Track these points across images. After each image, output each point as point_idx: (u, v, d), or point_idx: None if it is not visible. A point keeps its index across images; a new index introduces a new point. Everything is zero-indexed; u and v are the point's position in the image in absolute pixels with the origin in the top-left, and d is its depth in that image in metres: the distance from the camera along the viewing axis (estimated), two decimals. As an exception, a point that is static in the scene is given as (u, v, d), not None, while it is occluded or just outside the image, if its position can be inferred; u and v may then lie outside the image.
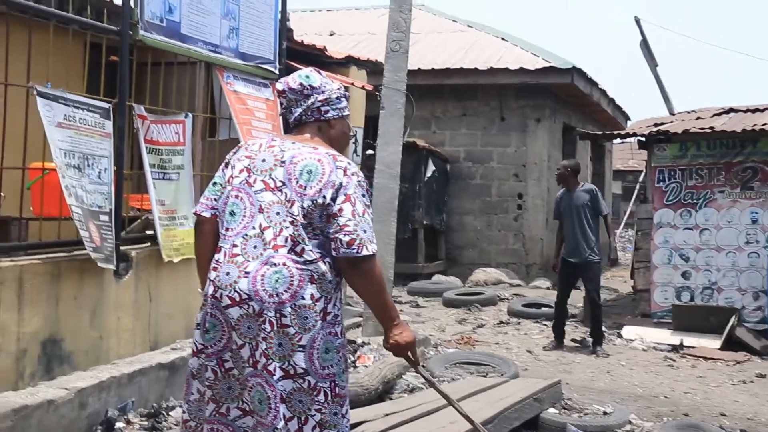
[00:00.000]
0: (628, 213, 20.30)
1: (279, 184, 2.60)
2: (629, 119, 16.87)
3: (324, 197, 2.55)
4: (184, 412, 2.70)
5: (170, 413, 4.18)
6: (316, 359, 2.52)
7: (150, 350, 4.71)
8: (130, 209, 5.13)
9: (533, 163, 12.69)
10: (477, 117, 12.88)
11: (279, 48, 6.08)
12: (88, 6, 5.24)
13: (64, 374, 3.99)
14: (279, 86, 2.79)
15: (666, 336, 8.17)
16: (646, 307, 8.93)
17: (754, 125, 8.42)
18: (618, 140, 14.19)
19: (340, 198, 2.56)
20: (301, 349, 2.50)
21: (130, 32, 4.60)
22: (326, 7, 18.29)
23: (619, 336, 8.34)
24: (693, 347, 7.78)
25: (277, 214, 2.56)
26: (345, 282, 2.69)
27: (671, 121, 10.00)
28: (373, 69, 9.38)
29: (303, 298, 2.51)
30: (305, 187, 2.57)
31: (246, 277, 2.51)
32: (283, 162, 2.62)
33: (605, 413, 5.20)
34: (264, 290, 2.48)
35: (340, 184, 2.57)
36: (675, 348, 7.81)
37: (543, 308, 9.31)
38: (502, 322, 8.97)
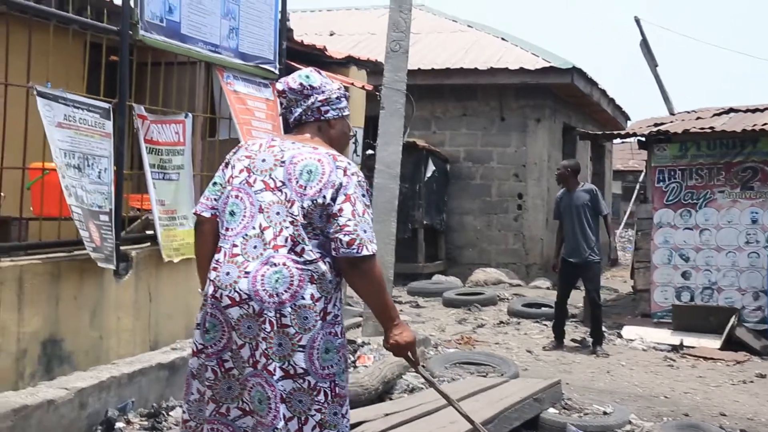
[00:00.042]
0: (628, 213, 20.30)
1: (279, 184, 2.59)
2: (629, 119, 16.87)
3: (324, 197, 2.55)
4: (184, 412, 2.70)
5: (170, 413, 4.18)
6: (316, 359, 2.52)
7: (150, 350, 4.71)
8: (130, 209, 5.13)
9: (533, 163, 12.69)
10: (477, 117, 12.88)
11: (279, 48, 6.08)
12: (88, 6, 5.25)
13: (64, 374, 3.99)
14: (279, 86, 2.79)
15: (666, 336, 8.17)
16: (646, 307, 8.93)
17: (754, 125, 8.42)
18: (618, 140, 14.21)
19: (340, 198, 2.56)
20: (301, 349, 2.50)
21: (130, 32, 4.60)
22: (326, 7, 18.29)
23: (619, 336, 8.34)
24: (693, 347, 7.78)
25: (277, 214, 2.56)
26: (345, 282, 2.69)
27: (671, 121, 10.00)
28: (373, 69, 9.38)
29: (303, 298, 2.51)
30: (305, 187, 2.57)
31: (246, 277, 2.51)
32: (283, 162, 2.62)
33: (605, 413, 5.20)
34: (264, 290, 2.48)
35: (340, 184, 2.57)
36: (675, 348, 7.81)
37: (543, 308, 9.31)
38: (502, 322, 8.97)
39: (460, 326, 8.65)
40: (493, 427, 4.12)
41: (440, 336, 7.82)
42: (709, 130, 8.64)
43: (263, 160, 2.65)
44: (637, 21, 12.65)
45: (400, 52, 6.80)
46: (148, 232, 5.02)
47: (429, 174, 12.17)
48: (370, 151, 9.45)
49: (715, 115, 9.90)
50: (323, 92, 2.74)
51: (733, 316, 8.00)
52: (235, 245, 2.57)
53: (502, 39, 14.28)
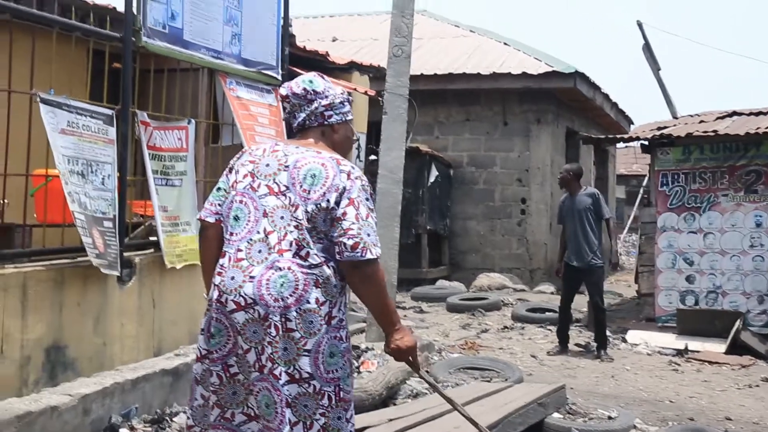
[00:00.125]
0: (632, 217, 20.28)
1: (283, 188, 2.60)
2: (632, 123, 16.87)
3: (328, 201, 2.55)
4: (188, 417, 2.70)
5: (174, 419, 4.17)
6: (321, 363, 2.52)
7: (154, 356, 4.71)
8: (133, 215, 5.13)
9: (536, 168, 12.69)
10: (480, 122, 12.89)
11: (281, 54, 6.09)
12: (91, 13, 5.27)
13: (68, 381, 3.99)
14: (282, 91, 2.79)
15: (671, 340, 8.15)
16: (651, 311, 8.91)
17: (758, 128, 8.42)
18: (621, 144, 14.18)
19: (344, 202, 2.56)
20: (306, 353, 2.49)
21: (133, 39, 4.61)
22: (329, 13, 18.35)
23: (624, 340, 8.32)
24: (698, 351, 7.76)
25: (282, 218, 2.56)
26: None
27: (674, 125, 10.00)
28: (376, 74, 9.39)
29: (308, 302, 2.50)
30: (309, 191, 2.57)
31: (251, 281, 2.51)
32: (287, 166, 2.62)
33: (610, 418, 5.18)
34: (269, 294, 2.48)
35: (344, 187, 2.57)
36: (680, 352, 7.79)
37: (547, 313, 9.29)
38: (506, 327, 8.96)
39: (464, 331, 8.64)
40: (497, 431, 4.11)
41: (444, 341, 7.81)
42: (712, 134, 8.63)
43: (267, 165, 2.65)
44: (640, 25, 12.70)
45: (403, 57, 6.80)
46: (152, 239, 5.03)
47: (432, 179, 12.18)
48: (373, 157, 9.46)
49: (718, 118, 9.89)
50: (327, 97, 2.75)
51: (738, 320, 7.97)
52: (239, 250, 2.57)
53: (505, 44, 14.31)
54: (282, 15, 6.14)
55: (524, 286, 12.01)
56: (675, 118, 11.51)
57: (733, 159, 8.63)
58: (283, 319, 2.48)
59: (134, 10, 4.61)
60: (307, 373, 2.49)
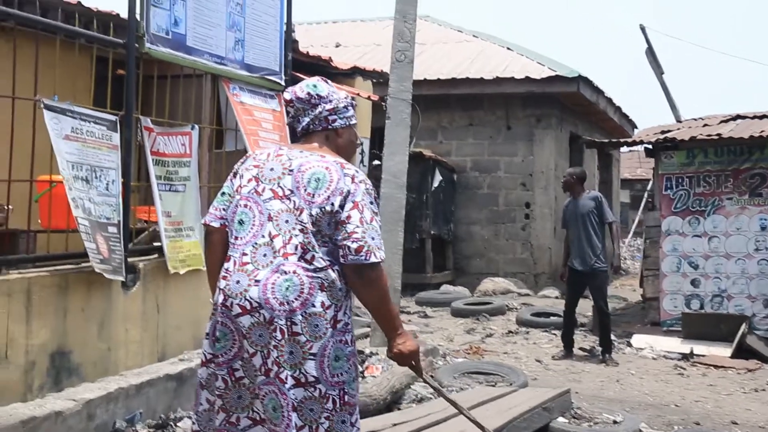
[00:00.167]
0: (636, 222, 20.26)
1: (287, 192, 2.60)
2: (636, 127, 16.86)
3: (332, 204, 2.55)
4: (193, 423, 2.70)
5: (178, 424, 4.18)
6: (326, 367, 2.52)
7: (158, 361, 4.71)
8: (137, 221, 5.14)
9: (540, 172, 12.69)
10: (483, 126, 12.90)
11: (285, 59, 6.11)
12: (95, 20, 5.29)
13: (73, 386, 3.99)
14: (287, 95, 2.80)
15: (676, 344, 8.12)
16: (656, 315, 8.89)
17: (762, 132, 8.40)
18: (625, 148, 14.19)
19: (348, 205, 2.56)
20: (312, 357, 2.49)
21: (137, 45, 4.63)
22: (332, 19, 18.42)
23: (629, 345, 8.30)
24: (703, 355, 7.74)
25: (286, 222, 2.57)
26: (354, 291, 2.68)
27: (678, 129, 9.98)
28: (379, 79, 9.41)
29: (313, 306, 2.50)
30: (313, 194, 2.57)
31: (256, 285, 2.51)
32: (291, 170, 2.63)
33: (615, 422, 5.16)
34: (275, 298, 2.48)
35: (348, 191, 2.58)
36: (685, 356, 7.77)
37: (552, 317, 9.28)
38: (510, 331, 8.94)
39: (469, 336, 8.63)
40: (502, 436, 4.10)
41: (449, 346, 7.80)
42: (716, 137, 8.62)
43: (271, 169, 2.66)
44: (643, 29, 12.68)
45: (406, 62, 6.81)
46: (156, 244, 5.03)
47: (436, 184, 12.18)
48: (376, 162, 9.46)
49: (722, 122, 9.88)
50: (331, 101, 2.76)
51: (744, 324, 7.95)
52: (244, 254, 2.57)
53: (508, 48, 14.32)
54: (285, 21, 6.16)
55: (529, 291, 11.99)
56: (679, 121, 11.48)
57: (737, 162, 8.62)
58: (288, 323, 2.48)
59: (137, 16, 4.64)
60: (313, 376, 2.49)
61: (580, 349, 7.84)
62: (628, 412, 5.48)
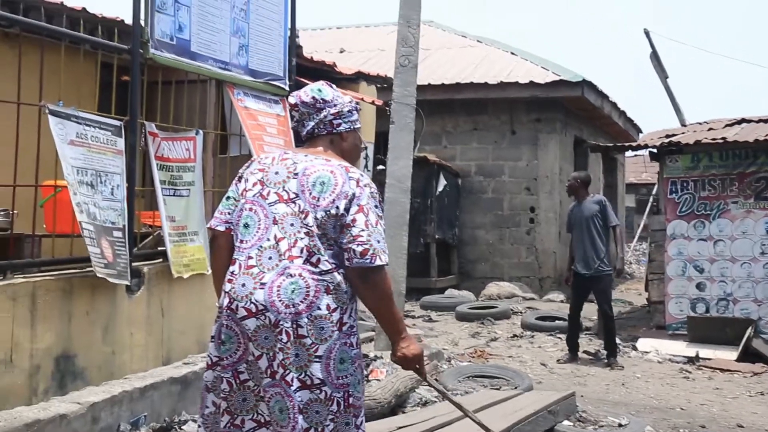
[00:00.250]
0: (641, 226, 20.20)
1: (292, 195, 2.61)
2: (641, 131, 16.84)
3: (337, 208, 2.56)
4: (199, 426, 2.70)
5: (183, 427, 4.18)
6: (332, 369, 2.52)
7: (163, 365, 4.72)
8: (142, 226, 5.16)
9: (545, 177, 12.68)
10: (488, 131, 12.90)
11: (289, 64, 6.13)
12: (100, 26, 5.32)
13: (77, 390, 4.00)
14: (291, 100, 2.81)
15: (681, 348, 8.11)
16: (661, 319, 8.88)
17: (767, 135, 8.39)
18: (630, 153, 14.15)
19: (354, 208, 2.57)
20: (317, 359, 2.50)
21: (141, 51, 4.65)
22: (336, 25, 18.43)
23: (634, 348, 8.28)
24: (709, 359, 7.72)
25: (292, 225, 2.58)
26: (359, 295, 2.69)
27: (683, 133, 9.98)
28: (383, 84, 9.43)
29: (319, 309, 2.51)
30: (318, 198, 2.58)
31: (262, 288, 2.52)
32: (296, 174, 2.64)
33: (620, 425, 5.15)
34: (280, 301, 2.49)
35: (353, 194, 2.58)
36: (691, 360, 7.75)
37: (557, 321, 9.26)
38: (515, 335, 8.93)
39: (474, 340, 8.62)
40: (506, 439, 4.09)
41: (453, 350, 7.80)
42: (721, 141, 8.61)
43: (276, 173, 2.67)
44: (647, 33, 12.68)
45: (409, 67, 6.82)
46: (161, 248, 5.05)
47: (440, 188, 12.19)
48: (380, 167, 9.47)
49: (727, 125, 9.87)
50: (335, 105, 2.77)
51: (750, 328, 7.93)
52: (250, 257, 2.58)
53: (512, 53, 14.33)
54: (289, 26, 6.18)
55: (534, 295, 11.98)
56: (684, 125, 11.47)
57: (742, 166, 8.61)
58: (294, 326, 2.48)
59: (142, 22, 4.66)
60: (319, 379, 2.50)
61: (585, 352, 7.82)
62: (633, 416, 5.47)
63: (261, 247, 2.58)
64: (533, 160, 12.70)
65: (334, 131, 2.77)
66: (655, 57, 12.58)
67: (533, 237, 12.65)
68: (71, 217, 4.14)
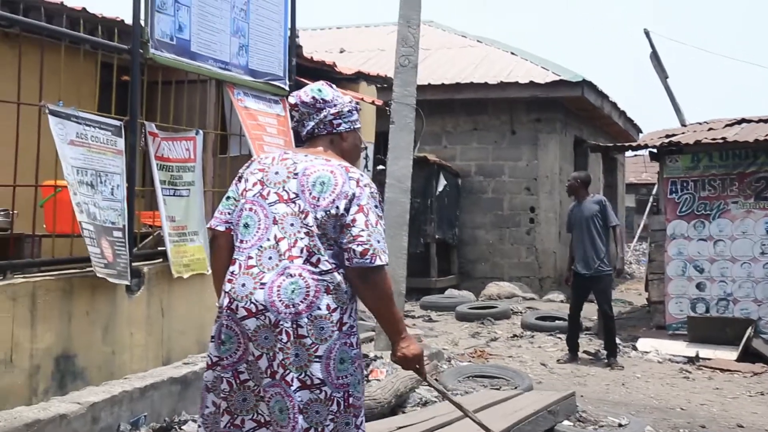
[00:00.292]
0: (641, 226, 20.20)
1: (292, 195, 2.61)
2: (641, 131, 16.84)
3: (337, 208, 2.56)
4: (199, 426, 2.70)
5: (182, 427, 4.18)
6: (332, 369, 2.52)
7: (162, 365, 4.72)
8: (142, 226, 5.16)
9: (545, 177, 12.68)
10: (488, 131, 12.91)
11: (288, 64, 6.13)
12: (100, 26, 5.32)
13: (77, 390, 4.00)
14: (291, 100, 2.81)
15: (681, 348, 8.11)
16: (661, 319, 8.88)
17: (767, 135, 8.39)
18: (630, 153, 14.15)
19: (354, 208, 2.57)
20: (317, 359, 2.50)
21: (141, 51, 4.65)
22: (336, 25, 18.43)
23: (634, 348, 8.28)
24: (709, 359, 7.72)
25: (292, 225, 2.58)
26: (359, 295, 2.69)
27: (683, 133, 9.98)
28: (383, 84, 9.42)
29: (319, 309, 2.51)
30: (318, 198, 2.58)
31: (262, 288, 2.52)
32: (296, 174, 2.64)
33: (620, 425, 5.15)
34: (280, 301, 2.49)
35: (353, 194, 2.59)
36: (691, 360, 7.75)
37: (557, 321, 9.26)
38: (515, 335, 8.93)
39: (474, 340, 8.62)
40: (506, 439, 4.09)
41: (453, 350, 7.80)
42: (721, 141, 8.61)
43: (276, 173, 2.67)
44: (647, 33, 12.68)
45: (409, 67, 6.82)
46: (161, 249, 5.05)
47: (440, 188, 12.19)
48: (380, 167, 9.47)
49: (727, 125, 9.87)
50: (335, 105, 2.77)
51: (750, 328, 7.93)
52: (250, 257, 2.58)
53: (512, 53, 14.33)
54: (289, 26, 6.18)
55: (534, 295, 11.98)
56: (684, 125, 11.47)
57: (742, 166, 8.61)
58: (294, 326, 2.48)
59: (142, 22, 4.66)
60: (319, 379, 2.50)
61: (585, 352, 7.82)
62: (633, 416, 5.47)
63: (261, 247, 2.58)
64: (533, 160, 12.71)
65: (334, 131, 2.77)
66: (655, 57, 12.58)
67: (533, 237, 12.65)
68: (71, 217, 4.14)
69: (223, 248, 2.73)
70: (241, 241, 2.63)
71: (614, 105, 14.50)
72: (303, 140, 2.83)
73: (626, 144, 11.30)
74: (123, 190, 4.48)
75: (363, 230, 2.54)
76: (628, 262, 18.47)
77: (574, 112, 13.56)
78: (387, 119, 6.93)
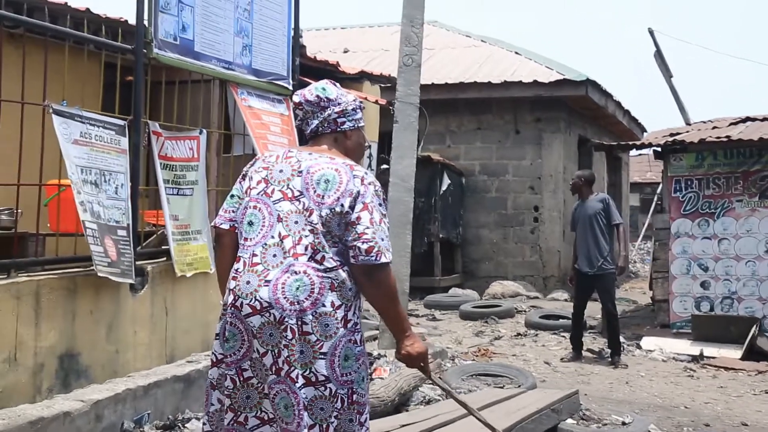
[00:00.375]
0: (646, 225, 20.18)
1: (297, 193, 2.62)
2: (645, 130, 16.80)
3: (342, 205, 2.57)
4: (204, 423, 2.71)
5: (186, 425, 4.20)
6: (336, 366, 2.53)
7: (166, 363, 4.73)
8: (145, 224, 5.18)
9: (549, 176, 12.67)
10: (492, 130, 12.90)
11: (292, 64, 6.14)
12: (103, 26, 5.34)
13: (81, 388, 4.02)
14: (296, 98, 2.82)
15: (686, 346, 8.10)
16: (665, 317, 8.86)
17: (771, 133, 8.37)
18: (634, 151, 14.14)
19: (358, 206, 2.58)
20: (322, 356, 2.51)
21: (145, 51, 4.67)
22: (340, 25, 18.44)
23: (639, 347, 8.27)
24: (713, 357, 7.71)
25: (296, 222, 2.58)
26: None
27: (687, 131, 9.97)
28: (387, 84, 9.44)
29: (324, 306, 2.52)
30: (323, 196, 2.59)
31: (266, 285, 2.52)
32: (301, 172, 2.65)
33: (624, 424, 5.15)
34: (285, 298, 2.50)
35: (358, 192, 2.59)
36: (695, 358, 7.74)
37: (560, 320, 9.26)
38: (519, 334, 8.93)
39: (477, 338, 8.63)
40: (509, 437, 4.09)
41: (457, 348, 7.80)
42: (725, 140, 8.60)
43: (281, 171, 2.68)
44: (651, 32, 12.65)
45: (413, 66, 6.83)
46: (164, 247, 5.06)
47: (444, 188, 12.19)
48: (384, 166, 9.48)
49: (731, 124, 9.86)
50: (339, 104, 2.78)
51: (754, 326, 7.91)
52: (254, 254, 2.59)
53: (516, 53, 14.33)
54: (293, 26, 6.19)
55: (538, 294, 11.98)
56: (688, 124, 11.45)
57: (746, 164, 8.60)
58: (299, 323, 2.49)
59: (146, 22, 4.67)
60: (323, 376, 2.51)
61: (589, 351, 7.82)
62: (637, 414, 5.46)
63: (265, 244, 2.59)
64: (537, 159, 12.70)
65: (338, 129, 2.78)
66: (659, 56, 12.55)
67: (537, 236, 12.64)
68: (75, 216, 4.16)
69: (227, 246, 2.73)
70: (246, 239, 2.64)
71: (618, 104, 14.48)
72: (307, 139, 2.84)
73: (630, 143, 11.28)
74: (127, 189, 4.49)
75: (368, 228, 2.55)
76: (633, 261, 18.44)
77: (578, 111, 13.54)
78: (391, 118, 6.94)
